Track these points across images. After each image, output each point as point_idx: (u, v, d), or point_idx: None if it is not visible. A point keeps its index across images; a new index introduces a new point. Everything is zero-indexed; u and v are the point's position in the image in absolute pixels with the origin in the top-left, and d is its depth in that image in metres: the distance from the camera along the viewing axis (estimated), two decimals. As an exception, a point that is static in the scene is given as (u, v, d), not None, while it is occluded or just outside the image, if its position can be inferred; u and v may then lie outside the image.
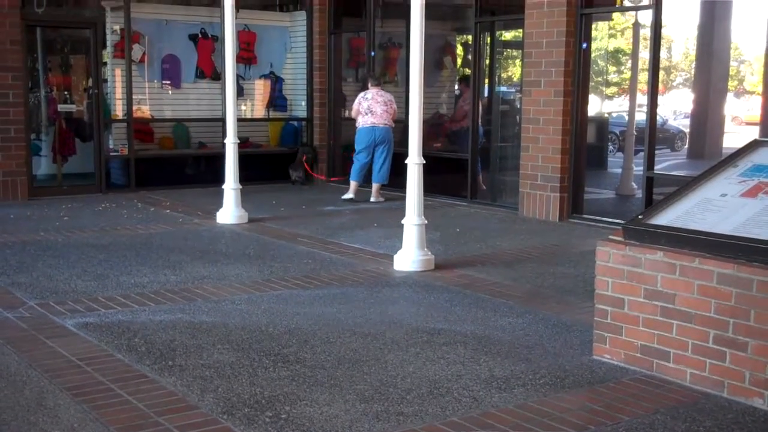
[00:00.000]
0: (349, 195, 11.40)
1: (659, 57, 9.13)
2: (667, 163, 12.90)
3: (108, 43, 12.16)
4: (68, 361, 4.69)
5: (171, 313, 5.71)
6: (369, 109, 11.20)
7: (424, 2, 7.02)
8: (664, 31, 9.67)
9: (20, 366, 4.60)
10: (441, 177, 11.34)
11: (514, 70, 12.96)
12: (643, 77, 10.58)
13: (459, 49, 14.05)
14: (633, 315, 4.63)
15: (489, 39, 11.65)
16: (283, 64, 13.98)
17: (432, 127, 13.04)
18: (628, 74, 14.65)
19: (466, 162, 11.26)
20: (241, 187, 9.62)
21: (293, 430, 3.78)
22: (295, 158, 13.25)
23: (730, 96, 12.85)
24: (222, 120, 12.03)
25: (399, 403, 4.13)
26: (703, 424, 3.92)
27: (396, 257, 7.26)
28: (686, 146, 14.40)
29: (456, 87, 13.40)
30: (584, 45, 9.78)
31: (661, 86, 9.68)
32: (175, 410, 3.99)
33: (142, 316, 5.62)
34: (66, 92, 12.44)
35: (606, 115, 14.44)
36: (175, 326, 5.38)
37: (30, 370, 4.54)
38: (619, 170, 12.40)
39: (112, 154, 12.12)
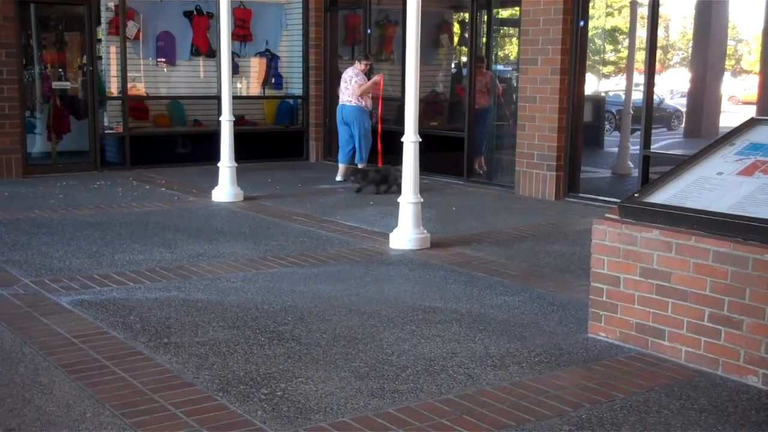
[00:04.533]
0: (338, 177, 11.27)
1: (656, 36, 9.09)
2: (664, 142, 12.87)
3: (102, 20, 12.06)
4: (63, 338, 4.69)
5: (166, 290, 5.70)
6: (340, 87, 11.19)
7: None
8: (661, 10, 9.63)
9: (15, 343, 4.60)
10: (438, 155, 11.30)
11: (511, 48, 12.89)
12: (640, 56, 10.51)
13: (455, 27, 13.97)
14: (628, 293, 4.64)
15: (486, 16, 11.57)
16: (278, 42, 13.89)
17: (428, 105, 12.98)
18: (625, 53, 14.58)
19: (462, 141, 11.23)
20: (236, 165, 9.59)
21: (288, 408, 3.78)
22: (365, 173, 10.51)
23: (727, 75, 12.80)
24: (217, 98, 11.95)
25: (394, 380, 4.13)
26: (698, 402, 3.94)
27: (392, 235, 7.25)
28: (683, 125, 14.36)
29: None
30: (581, 23, 9.72)
31: (658, 65, 9.63)
32: (170, 387, 3.99)
33: (138, 294, 5.61)
34: (60, 69, 12.34)
35: (603, 94, 14.38)
36: (171, 304, 5.38)
37: (25, 347, 4.54)
38: (616, 149, 12.38)
39: (106, 131, 12.07)
